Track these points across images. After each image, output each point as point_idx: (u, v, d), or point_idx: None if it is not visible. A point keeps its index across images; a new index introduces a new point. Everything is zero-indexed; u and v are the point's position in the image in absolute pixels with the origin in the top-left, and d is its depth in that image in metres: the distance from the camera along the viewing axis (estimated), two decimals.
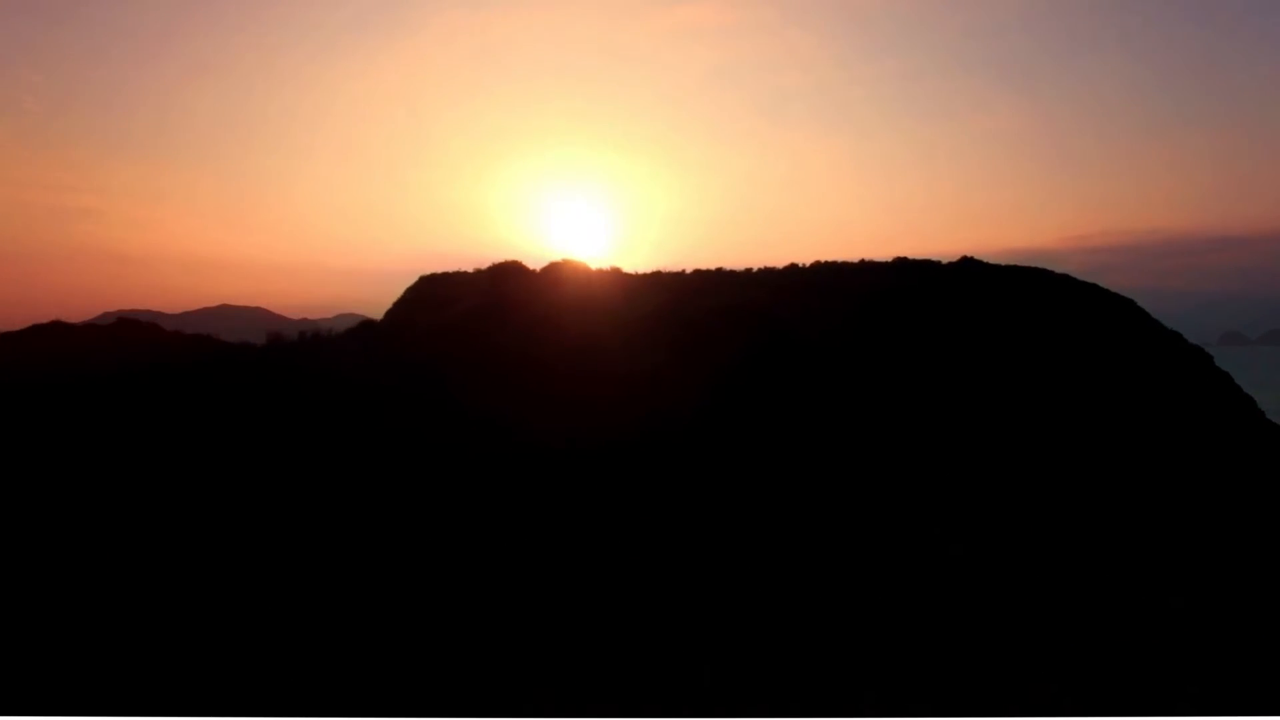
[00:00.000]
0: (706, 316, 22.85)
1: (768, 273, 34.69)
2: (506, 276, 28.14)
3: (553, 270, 29.55)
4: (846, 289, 34.77)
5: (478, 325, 22.50)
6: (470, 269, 30.94)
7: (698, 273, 32.75)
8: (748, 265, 32.74)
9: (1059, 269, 42.91)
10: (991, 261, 43.33)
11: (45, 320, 28.75)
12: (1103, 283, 44.77)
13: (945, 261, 45.09)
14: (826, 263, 39.00)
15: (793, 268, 37.11)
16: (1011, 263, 41.63)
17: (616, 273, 31.21)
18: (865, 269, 39.21)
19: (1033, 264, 41.15)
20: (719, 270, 33.22)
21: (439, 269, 31.62)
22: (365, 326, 26.31)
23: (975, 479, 24.64)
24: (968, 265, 45.70)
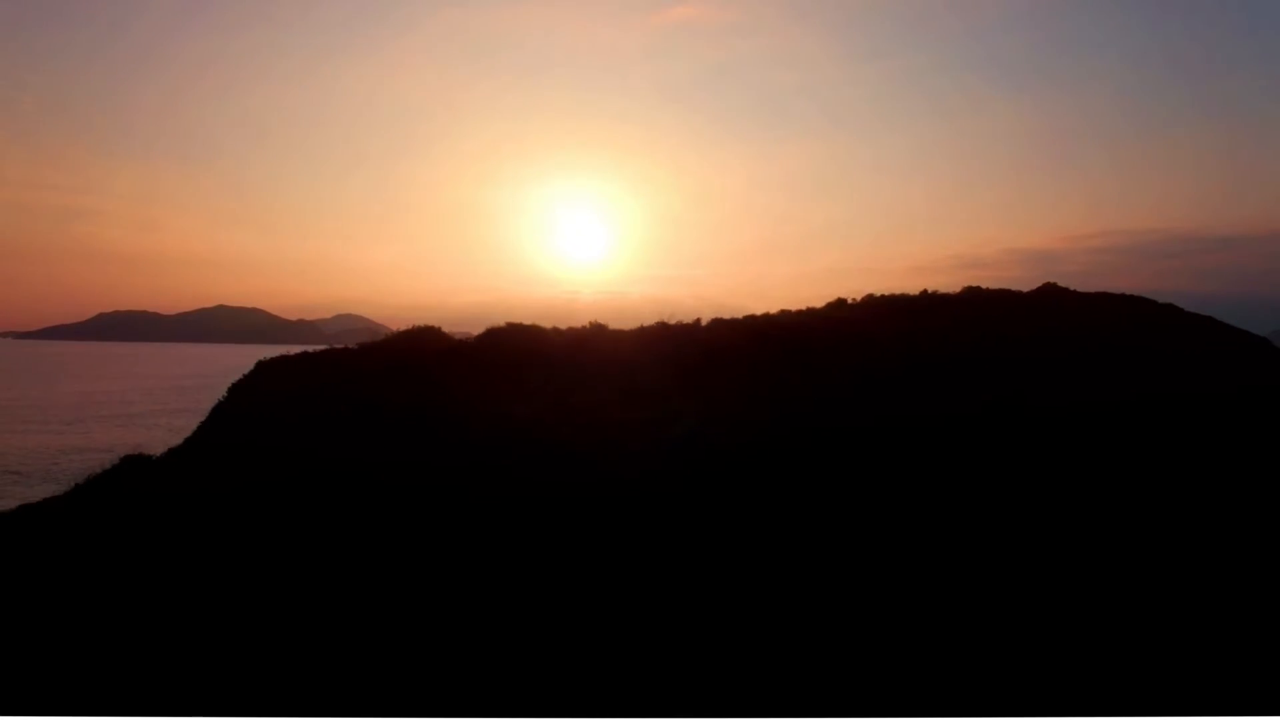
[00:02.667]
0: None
1: (807, 317, 25.28)
2: (400, 374, 17.46)
3: (491, 345, 19.08)
4: (911, 338, 25.32)
5: None
6: (388, 328, 20.84)
7: (717, 323, 23.25)
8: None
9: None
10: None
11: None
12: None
13: (1024, 290, 36.09)
14: (881, 296, 29.66)
15: (840, 304, 27.75)
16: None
17: (598, 334, 21.15)
18: (930, 305, 29.85)
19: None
20: (746, 319, 23.77)
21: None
22: (128, 467, 16.31)
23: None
24: (1051, 293, 36.57)
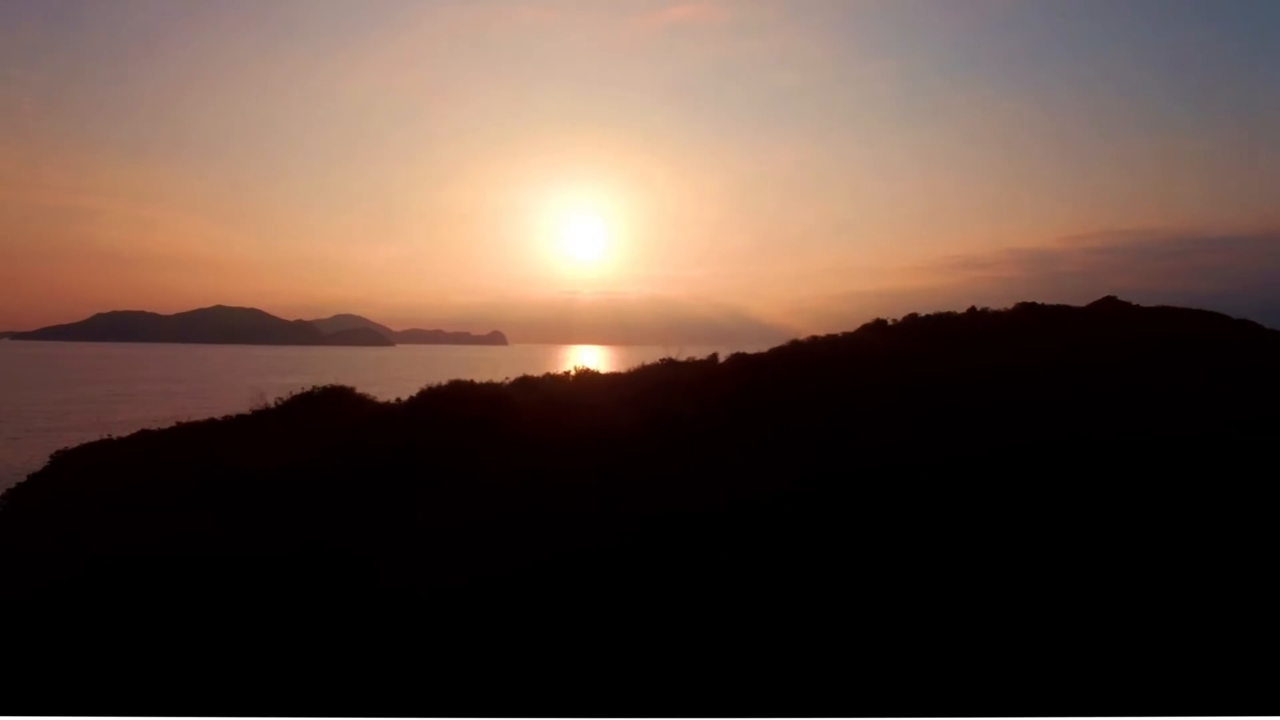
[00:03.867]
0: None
1: (845, 346, 20.91)
2: (284, 450, 12.54)
3: (427, 411, 14.52)
4: (969, 372, 20.95)
5: None
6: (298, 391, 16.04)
7: (738, 359, 18.90)
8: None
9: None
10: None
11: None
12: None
13: (1080, 306, 31.70)
14: (925, 317, 25.39)
15: (880, 327, 23.42)
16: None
17: (583, 383, 16.73)
18: (981, 325, 25.55)
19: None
20: (773, 352, 19.41)
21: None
22: None
23: None
24: (1111, 309, 32.15)
